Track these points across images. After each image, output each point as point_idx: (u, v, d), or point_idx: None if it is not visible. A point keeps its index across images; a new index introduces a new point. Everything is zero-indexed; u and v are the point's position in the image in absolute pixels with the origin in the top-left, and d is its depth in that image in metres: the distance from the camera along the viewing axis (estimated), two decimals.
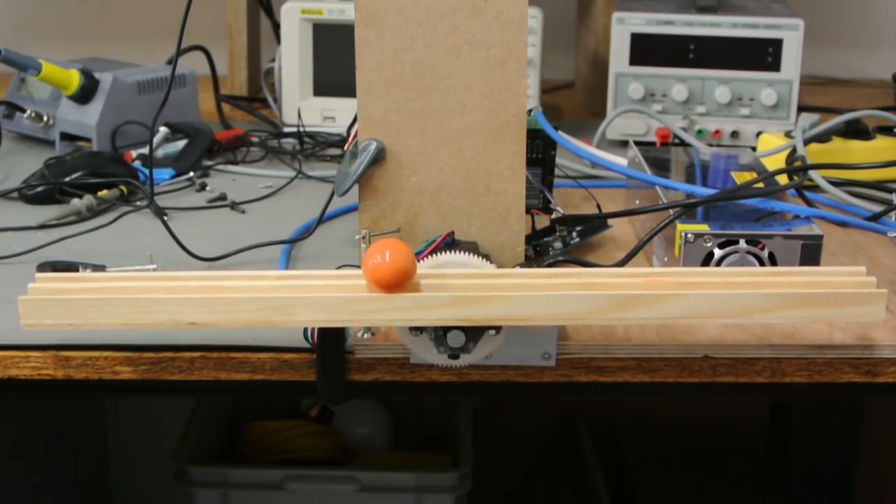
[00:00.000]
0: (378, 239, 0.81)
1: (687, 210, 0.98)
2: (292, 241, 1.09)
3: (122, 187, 1.22)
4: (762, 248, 0.94)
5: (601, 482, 1.70)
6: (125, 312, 0.81)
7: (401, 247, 0.79)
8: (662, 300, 0.81)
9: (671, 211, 0.99)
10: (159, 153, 1.33)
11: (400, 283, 0.80)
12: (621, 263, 0.98)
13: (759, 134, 1.39)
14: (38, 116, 1.38)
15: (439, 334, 0.84)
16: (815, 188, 1.18)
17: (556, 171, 1.13)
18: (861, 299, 0.82)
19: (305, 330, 0.88)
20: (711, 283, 0.83)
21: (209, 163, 1.35)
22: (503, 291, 0.81)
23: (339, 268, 0.97)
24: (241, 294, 0.81)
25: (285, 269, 1.03)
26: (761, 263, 0.94)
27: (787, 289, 0.83)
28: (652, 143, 1.40)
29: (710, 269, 0.92)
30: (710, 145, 1.36)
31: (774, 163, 1.23)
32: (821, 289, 0.83)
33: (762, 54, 1.39)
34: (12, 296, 0.97)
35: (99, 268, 1.01)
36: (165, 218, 1.11)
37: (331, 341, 0.88)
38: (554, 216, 1.06)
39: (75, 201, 1.18)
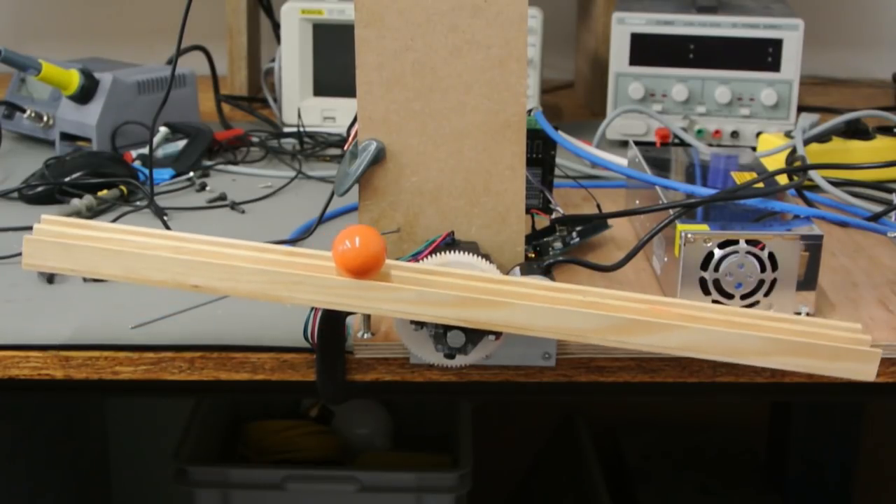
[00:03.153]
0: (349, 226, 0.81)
1: (687, 210, 0.98)
2: (292, 241, 1.09)
3: (122, 187, 1.22)
4: (762, 249, 0.94)
5: (601, 482, 1.70)
6: (129, 266, 0.80)
7: (371, 233, 0.80)
8: (663, 329, 0.82)
9: (671, 211, 0.99)
10: (159, 153, 1.33)
11: (369, 269, 0.80)
12: (621, 264, 0.98)
13: (759, 134, 1.39)
14: (38, 116, 1.38)
15: (439, 332, 0.84)
16: (815, 188, 1.18)
17: (556, 171, 1.13)
18: (856, 356, 0.83)
19: (305, 329, 0.88)
20: (713, 320, 0.84)
21: (209, 163, 1.35)
22: (508, 298, 0.82)
23: None
24: (248, 264, 0.81)
25: None
26: (761, 263, 0.94)
27: (785, 335, 0.83)
28: (652, 143, 1.40)
29: (713, 305, 0.91)
30: (710, 145, 1.36)
31: (774, 163, 1.23)
32: (817, 340, 0.83)
33: (762, 54, 1.39)
34: (12, 296, 0.98)
35: None
36: (165, 218, 1.11)
37: (331, 341, 0.88)
38: (554, 216, 1.06)
39: (75, 201, 1.18)
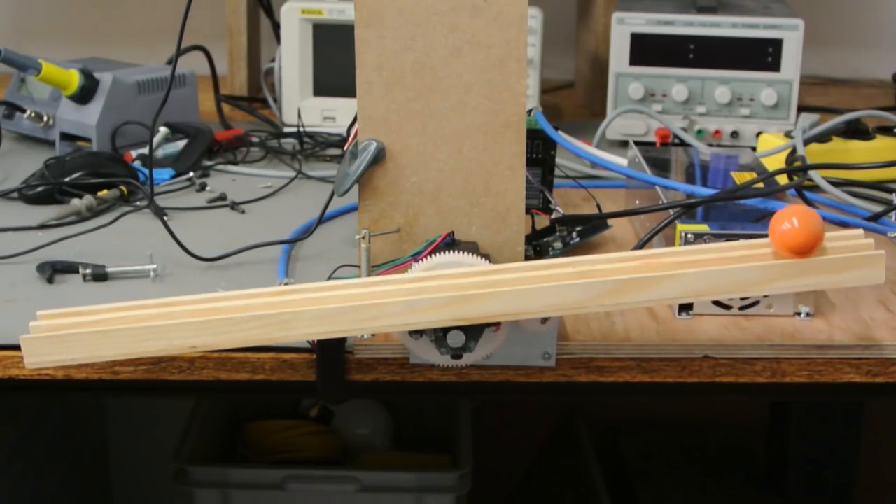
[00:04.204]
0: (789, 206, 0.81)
1: (687, 210, 0.98)
2: (292, 241, 1.09)
3: (122, 187, 1.22)
4: None
5: (601, 482, 1.70)
6: (125, 342, 0.81)
7: (810, 212, 0.80)
8: (659, 282, 0.81)
9: (671, 211, 0.99)
10: (159, 153, 1.33)
11: (812, 247, 0.80)
12: None
13: (759, 134, 1.39)
14: (38, 116, 1.38)
15: (439, 335, 0.84)
16: (815, 188, 1.18)
17: (556, 171, 1.13)
18: (860, 262, 0.81)
19: None
20: (708, 261, 0.82)
21: (209, 163, 1.35)
22: (497, 287, 0.81)
23: (334, 271, 0.97)
24: (238, 314, 0.81)
25: (285, 270, 1.03)
26: None
27: (785, 258, 0.81)
28: (652, 143, 1.40)
29: (706, 246, 0.90)
30: (710, 145, 1.36)
31: (774, 163, 1.23)
32: (819, 255, 0.81)
33: (762, 54, 1.39)
34: (12, 296, 0.98)
35: (99, 268, 1.01)
36: (165, 218, 1.11)
37: (331, 342, 0.88)
38: (554, 216, 1.06)
39: (75, 201, 1.18)
